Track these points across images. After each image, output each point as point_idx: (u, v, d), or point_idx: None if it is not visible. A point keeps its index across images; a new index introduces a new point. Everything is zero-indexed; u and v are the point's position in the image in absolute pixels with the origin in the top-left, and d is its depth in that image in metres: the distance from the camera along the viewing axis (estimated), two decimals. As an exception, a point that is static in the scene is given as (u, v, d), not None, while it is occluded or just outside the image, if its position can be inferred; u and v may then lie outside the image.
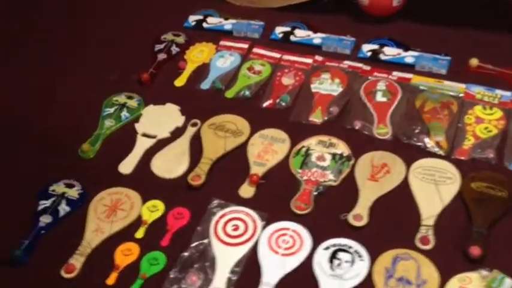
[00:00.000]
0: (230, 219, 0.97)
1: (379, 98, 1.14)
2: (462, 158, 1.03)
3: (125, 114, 1.14)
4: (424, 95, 1.13)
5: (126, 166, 1.06)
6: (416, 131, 1.07)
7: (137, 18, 1.39)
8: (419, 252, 0.90)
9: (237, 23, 1.32)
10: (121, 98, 1.17)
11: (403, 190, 0.99)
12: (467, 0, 1.30)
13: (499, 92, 1.12)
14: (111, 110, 1.15)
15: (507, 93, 1.11)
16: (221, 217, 0.97)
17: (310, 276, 0.89)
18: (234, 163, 1.06)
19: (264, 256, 0.92)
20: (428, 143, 1.04)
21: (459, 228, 0.93)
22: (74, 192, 1.01)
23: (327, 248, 0.92)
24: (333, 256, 0.91)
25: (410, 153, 1.04)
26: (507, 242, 0.91)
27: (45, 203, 1.00)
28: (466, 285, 0.85)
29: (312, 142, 1.07)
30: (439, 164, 1.02)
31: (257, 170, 1.03)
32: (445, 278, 0.87)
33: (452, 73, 1.18)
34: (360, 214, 0.95)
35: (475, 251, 0.87)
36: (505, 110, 1.09)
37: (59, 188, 1.02)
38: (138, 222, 0.98)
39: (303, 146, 1.07)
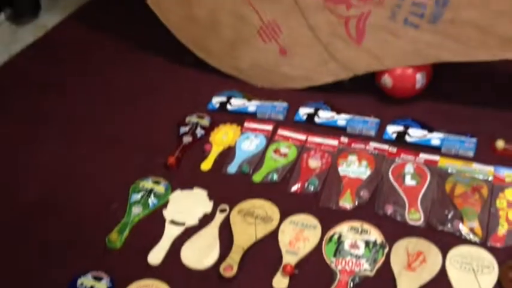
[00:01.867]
0: (265, 313, 0.94)
1: (409, 181, 1.13)
2: (498, 245, 1.01)
3: (152, 200, 1.13)
4: (453, 179, 1.13)
5: (155, 256, 1.03)
6: (449, 216, 1.06)
7: (161, 99, 1.40)
8: None
9: (260, 105, 1.33)
10: (148, 183, 1.17)
11: (441, 279, 0.97)
12: (489, 80, 1.33)
13: (529, 175, 1.12)
14: (139, 196, 1.14)
15: (537, 176, 1.11)
16: (255, 311, 0.95)
17: None
18: (265, 251, 1.04)
19: None
20: (463, 229, 1.03)
21: (502, 322, 0.91)
22: (102, 286, 0.99)
23: None
24: None
25: (445, 240, 1.02)
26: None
27: (73, 298, 0.97)
28: None
29: (343, 228, 1.06)
30: (475, 251, 1.00)
31: (290, 259, 1.01)
32: None
33: (479, 155, 1.18)
34: (399, 308, 0.92)
35: None
36: (537, 193, 1.09)
37: (87, 281, 0.99)
38: (169, 316, 0.95)
39: (335, 233, 1.05)
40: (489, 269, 0.97)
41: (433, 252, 1.00)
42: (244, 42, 1.38)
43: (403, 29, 1.23)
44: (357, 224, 1.07)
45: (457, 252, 1.00)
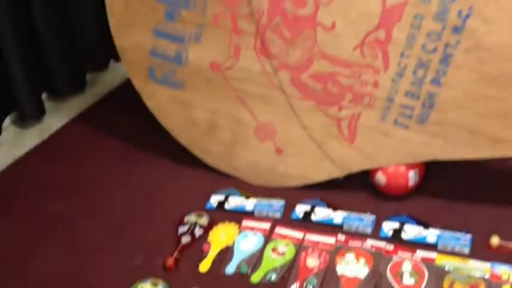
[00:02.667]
0: None
1: (407, 280, 1.13)
2: None
3: (151, 304, 1.13)
4: (450, 276, 1.13)
5: None
6: (449, 316, 1.06)
7: (159, 199, 1.43)
8: None
9: (258, 204, 1.36)
10: (146, 286, 1.16)
11: None
12: (481, 176, 1.37)
13: (525, 271, 1.12)
14: (137, 299, 1.14)
15: (534, 273, 1.12)
16: None
17: None
18: None
19: None
20: (464, 330, 1.02)
21: None
22: None
23: None
24: None
25: None
26: None
27: None
28: None
29: (343, 331, 1.05)
30: None
31: None
32: None
33: (475, 251, 1.19)
34: None
35: None
36: (535, 291, 1.08)
37: None
38: None
39: (335, 336, 1.04)
40: None
41: None
42: (241, 143, 1.43)
43: (393, 128, 1.28)
44: (357, 325, 1.06)
45: None
